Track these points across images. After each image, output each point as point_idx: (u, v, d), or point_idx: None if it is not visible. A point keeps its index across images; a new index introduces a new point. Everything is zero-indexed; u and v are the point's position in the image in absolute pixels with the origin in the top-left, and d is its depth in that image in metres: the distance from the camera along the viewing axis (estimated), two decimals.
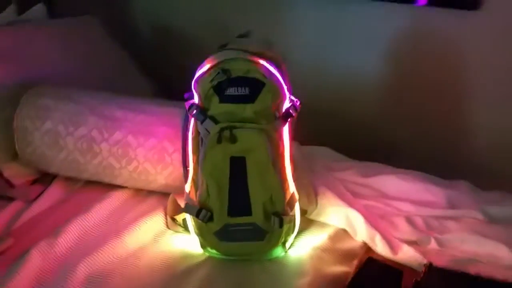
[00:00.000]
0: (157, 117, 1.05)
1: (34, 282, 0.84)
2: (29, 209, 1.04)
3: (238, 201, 0.86)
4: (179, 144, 1.01)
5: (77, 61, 1.42)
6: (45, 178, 1.15)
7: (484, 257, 0.89)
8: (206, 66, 0.87)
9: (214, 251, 0.92)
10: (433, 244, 0.93)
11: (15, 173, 1.12)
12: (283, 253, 0.92)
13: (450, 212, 1.01)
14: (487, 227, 0.95)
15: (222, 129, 0.84)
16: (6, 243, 0.92)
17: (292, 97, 0.89)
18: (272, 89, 0.85)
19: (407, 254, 0.89)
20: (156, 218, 1.02)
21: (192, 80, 0.89)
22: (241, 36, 0.97)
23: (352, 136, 1.51)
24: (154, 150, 1.02)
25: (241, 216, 0.86)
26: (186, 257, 0.92)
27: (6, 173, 1.11)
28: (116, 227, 0.98)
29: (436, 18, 1.36)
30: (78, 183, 1.14)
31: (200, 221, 0.87)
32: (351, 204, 1.00)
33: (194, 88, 0.88)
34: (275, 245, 0.89)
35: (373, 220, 0.97)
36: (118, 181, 1.08)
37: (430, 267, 0.84)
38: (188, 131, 0.99)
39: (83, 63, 1.43)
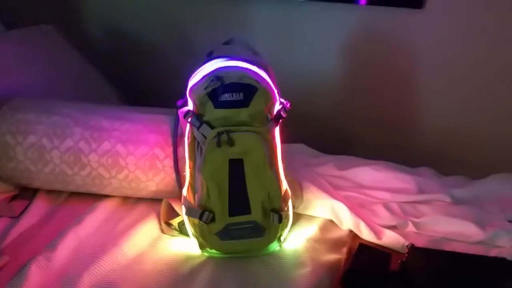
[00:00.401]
0: (144, 125, 1.07)
1: None
2: (17, 225, 1.02)
3: (238, 201, 0.91)
4: (169, 150, 1.04)
5: (41, 72, 1.39)
6: (25, 193, 1.13)
7: (456, 235, 1.00)
8: (199, 75, 0.91)
9: (213, 251, 0.96)
10: (410, 227, 1.03)
11: None
12: (278, 247, 0.98)
13: (421, 197, 1.12)
14: (455, 208, 1.07)
15: (219, 133, 0.88)
16: (1, 261, 0.90)
17: (282, 99, 0.95)
18: (264, 93, 0.90)
19: (390, 238, 0.98)
20: (150, 224, 1.04)
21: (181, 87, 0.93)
22: (226, 43, 1.02)
23: (318, 134, 1.60)
24: (145, 157, 1.04)
25: (241, 215, 0.91)
26: (187, 259, 0.95)
27: None
28: (112, 235, 0.99)
29: (384, 17, 1.46)
30: (62, 196, 1.13)
31: (202, 222, 0.91)
32: (334, 196, 1.08)
33: (189, 96, 0.92)
34: (272, 240, 0.95)
35: (355, 209, 1.05)
36: (106, 191, 1.09)
37: (412, 248, 0.94)
38: (179, 137, 1.03)
39: (47, 73, 1.41)
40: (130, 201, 1.12)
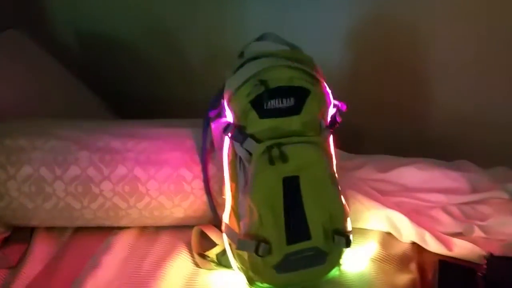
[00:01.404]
0: (163, 141, 0.90)
1: None
2: (19, 276, 0.83)
3: (296, 226, 0.76)
4: (197, 170, 0.88)
5: (15, 85, 1.17)
6: (20, 234, 0.93)
7: None
8: (238, 79, 0.75)
9: (266, 285, 0.81)
10: (477, 232, 0.91)
11: None
12: (337, 272, 0.84)
13: (477, 196, 1.00)
14: None
15: (268, 148, 0.73)
16: None
17: (335, 102, 0.80)
18: (318, 96, 0.76)
19: (463, 248, 0.86)
20: (181, 258, 0.88)
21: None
22: (258, 39, 0.86)
23: None
24: (170, 180, 0.87)
25: (300, 242, 0.76)
26: None
27: None
28: (139, 278, 0.83)
29: (390, 1, 1.34)
30: (66, 232, 0.95)
31: (255, 255, 0.75)
32: (386, 205, 0.95)
33: (228, 105, 0.76)
34: (335, 266, 0.81)
35: (413, 217, 0.93)
36: (122, 223, 0.92)
37: (491, 257, 0.83)
38: (207, 153, 0.87)
39: (22, 86, 1.19)
40: (149, 230, 0.95)
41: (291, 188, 0.75)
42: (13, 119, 0.94)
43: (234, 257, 0.82)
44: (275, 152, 0.73)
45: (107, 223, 0.91)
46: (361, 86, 1.48)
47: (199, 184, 0.88)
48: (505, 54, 1.29)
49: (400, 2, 1.30)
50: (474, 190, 1.03)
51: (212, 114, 0.80)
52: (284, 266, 0.76)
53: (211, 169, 0.88)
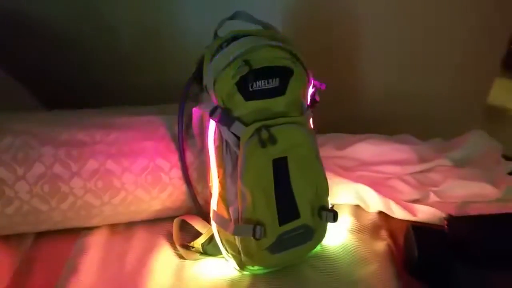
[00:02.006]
0: (135, 131, 0.84)
1: None
2: None
3: (285, 206, 0.76)
4: (175, 159, 0.84)
5: None
6: None
7: (475, 197, 1.01)
8: (222, 61, 0.73)
9: (256, 267, 0.81)
10: (432, 198, 1.00)
11: None
12: (319, 247, 0.87)
13: (426, 165, 1.10)
14: (461, 171, 1.08)
15: (257, 130, 0.73)
16: None
17: (314, 81, 0.82)
18: (300, 76, 0.77)
19: (425, 213, 0.95)
20: (163, 252, 0.85)
21: None
22: (230, 19, 0.84)
23: None
24: (146, 171, 0.82)
25: (291, 221, 0.78)
26: (232, 283, 0.79)
27: None
28: (125, 279, 0.78)
29: None
30: (26, 240, 0.85)
31: (248, 239, 0.75)
32: (350, 179, 1.01)
33: (212, 88, 0.74)
34: (320, 241, 0.84)
35: (378, 189, 1.00)
36: (93, 222, 0.85)
37: (450, 218, 0.93)
38: (184, 140, 0.84)
39: None
40: (120, 228, 0.90)
41: (280, 169, 0.75)
42: None
43: (223, 244, 0.81)
44: (264, 134, 0.72)
45: (76, 224, 0.84)
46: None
47: (177, 173, 0.84)
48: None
49: None
50: (422, 160, 1.13)
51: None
52: (277, 246, 0.77)
53: (189, 157, 0.85)
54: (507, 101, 2.59)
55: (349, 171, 1.07)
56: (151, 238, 0.87)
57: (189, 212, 0.89)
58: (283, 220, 0.77)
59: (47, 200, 0.78)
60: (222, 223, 0.78)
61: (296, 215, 0.78)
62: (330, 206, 0.82)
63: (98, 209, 0.82)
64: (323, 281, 0.80)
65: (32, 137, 0.78)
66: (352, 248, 0.87)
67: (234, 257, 0.80)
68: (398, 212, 0.96)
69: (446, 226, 0.92)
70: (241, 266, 0.81)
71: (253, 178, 0.73)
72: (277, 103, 0.75)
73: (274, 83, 0.74)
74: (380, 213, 0.99)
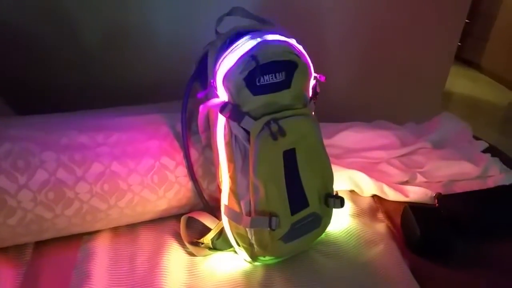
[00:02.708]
0: (137, 131, 0.82)
1: None
2: None
3: (295, 195, 0.79)
4: (179, 157, 0.83)
5: None
6: None
7: (458, 176, 1.08)
8: (232, 58, 0.73)
9: (267, 258, 0.83)
10: (419, 178, 1.06)
11: None
12: (323, 234, 0.90)
13: (408, 149, 1.15)
14: (441, 152, 1.14)
15: (267, 124, 0.74)
16: None
17: (315, 73, 0.84)
18: (303, 69, 0.78)
19: (417, 193, 1.00)
20: (172, 250, 0.84)
21: None
22: (228, 14, 0.84)
23: None
24: (152, 171, 0.81)
25: (301, 210, 0.80)
26: (245, 275, 0.80)
27: None
28: (139, 279, 0.76)
29: None
30: (26, 250, 0.81)
31: (262, 230, 0.76)
32: (343, 166, 1.04)
33: (223, 84, 0.74)
34: (326, 227, 0.87)
35: (369, 174, 1.04)
36: (97, 226, 0.82)
37: (440, 197, 0.98)
38: (187, 138, 0.84)
39: None
40: (122, 230, 0.88)
41: (289, 160, 0.77)
42: None
43: (234, 237, 0.82)
44: (274, 127, 0.74)
45: (80, 229, 0.81)
46: None
47: (182, 171, 0.84)
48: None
49: None
50: (403, 144, 1.19)
51: (200, 95, 0.76)
52: (289, 236, 0.79)
53: (193, 154, 0.85)
54: (460, 86, 2.77)
55: (340, 159, 1.11)
56: (157, 237, 0.86)
57: (193, 209, 0.89)
58: (295, 209, 0.79)
59: (51, 207, 0.74)
60: (234, 217, 0.79)
61: (305, 204, 0.80)
62: (334, 193, 0.85)
63: (104, 213, 0.80)
64: (334, 266, 0.83)
65: (31, 143, 0.74)
66: (356, 232, 0.90)
67: (245, 249, 0.81)
68: (391, 194, 1.01)
69: (436, 204, 0.98)
70: (253, 257, 0.82)
71: (266, 170, 0.75)
72: (284, 96, 0.76)
73: (280, 77, 0.75)
74: (374, 196, 1.03)
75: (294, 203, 0.78)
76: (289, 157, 0.77)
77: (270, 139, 0.73)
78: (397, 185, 1.03)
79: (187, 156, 0.83)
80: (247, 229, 0.78)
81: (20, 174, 0.72)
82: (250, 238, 0.79)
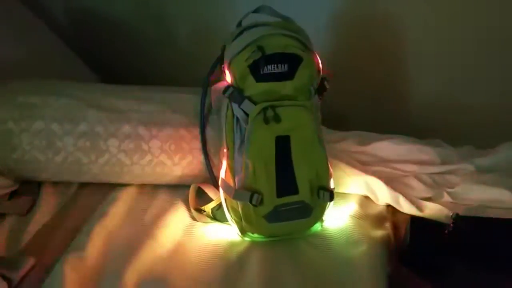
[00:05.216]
0: (166, 104, 0.97)
1: None
2: (31, 223, 0.91)
3: (285, 181, 0.85)
4: (196, 131, 0.96)
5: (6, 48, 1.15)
6: (27, 188, 1.00)
7: (492, 202, 1.00)
8: (238, 45, 0.84)
9: (256, 235, 0.90)
10: (446, 197, 1.02)
11: None
12: (320, 227, 0.94)
13: (447, 168, 1.11)
14: (482, 177, 1.07)
15: (264, 109, 0.82)
16: (28, 263, 0.79)
17: (324, 71, 0.89)
18: (309, 64, 0.84)
19: (433, 210, 0.97)
20: (179, 212, 0.96)
21: None
22: (255, 11, 0.94)
23: None
24: (171, 140, 0.95)
25: (289, 195, 0.85)
26: (231, 245, 0.89)
27: None
28: (143, 227, 0.91)
29: None
30: (71, 188, 1.02)
31: (247, 206, 0.84)
32: (364, 171, 1.05)
33: (227, 69, 0.84)
34: (318, 219, 0.90)
35: (391, 184, 1.03)
36: (125, 179, 0.99)
37: (457, 217, 0.93)
38: (205, 116, 0.96)
39: (13, 49, 1.17)
40: (147, 189, 1.03)
41: (283, 146, 0.83)
42: (24, 79, 1.00)
43: (228, 210, 0.90)
44: (270, 113, 0.81)
45: (111, 179, 0.99)
46: (343, 70, 1.56)
47: (196, 144, 0.96)
48: (476, 44, 1.40)
49: None
50: (444, 163, 1.14)
51: (212, 77, 0.88)
52: (273, 216, 0.85)
53: (209, 132, 0.96)
54: None
55: (366, 165, 1.11)
56: (170, 199, 0.99)
57: (205, 182, 1.00)
58: (281, 193, 0.85)
59: (88, 154, 0.93)
60: (227, 190, 0.88)
61: (294, 190, 0.85)
62: (332, 187, 0.89)
63: (128, 168, 0.96)
64: (314, 255, 0.87)
65: (82, 101, 0.94)
66: (349, 231, 0.92)
67: (236, 222, 0.89)
68: (405, 207, 0.99)
69: (451, 224, 0.94)
70: (243, 232, 0.90)
71: (255, 150, 0.83)
72: (285, 87, 0.83)
73: (282, 68, 0.83)
74: (389, 206, 1.02)
75: (282, 187, 0.85)
76: (284, 143, 0.83)
77: (263, 123, 0.81)
78: (415, 199, 1.00)
79: (202, 132, 0.95)
80: (238, 202, 0.87)
81: (68, 123, 0.92)
82: (240, 212, 0.87)
